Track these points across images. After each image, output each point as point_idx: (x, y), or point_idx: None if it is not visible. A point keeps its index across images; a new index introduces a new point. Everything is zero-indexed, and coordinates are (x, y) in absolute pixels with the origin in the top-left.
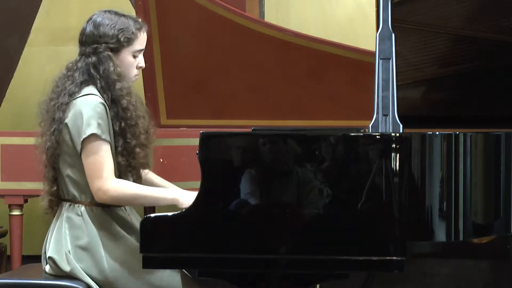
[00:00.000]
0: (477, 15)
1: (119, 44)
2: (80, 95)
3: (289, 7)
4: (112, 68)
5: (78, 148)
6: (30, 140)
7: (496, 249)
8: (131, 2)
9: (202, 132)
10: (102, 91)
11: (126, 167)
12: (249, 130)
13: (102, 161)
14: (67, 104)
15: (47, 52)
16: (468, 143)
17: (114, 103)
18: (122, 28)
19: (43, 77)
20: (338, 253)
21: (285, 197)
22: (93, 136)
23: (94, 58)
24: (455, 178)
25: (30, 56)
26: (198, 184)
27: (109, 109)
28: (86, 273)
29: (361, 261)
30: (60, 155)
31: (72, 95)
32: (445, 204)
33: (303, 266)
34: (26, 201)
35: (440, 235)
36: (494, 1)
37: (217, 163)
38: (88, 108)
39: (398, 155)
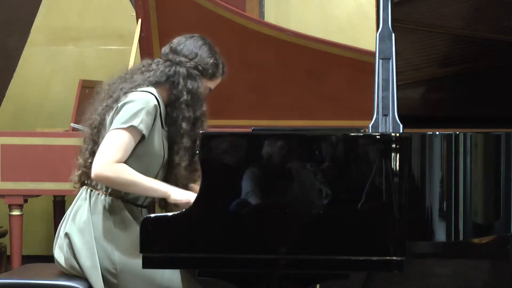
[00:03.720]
0: (477, 15)
1: (205, 72)
2: (142, 89)
3: (289, 7)
4: (201, 89)
5: (112, 128)
6: (30, 140)
7: (496, 249)
8: (131, 2)
9: (202, 132)
10: (185, 104)
11: (184, 184)
12: (249, 130)
13: (121, 147)
14: (130, 89)
15: (47, 52)
16: (468, 143)
17: (195, 121)
18: (216, 63)
19: (43, 77)
20: (338, 253)
21: (285, 197)
22: (131, 128)
23: (184, 70)
24: (455, 178)
25: (30, 56)
26: (198, 184)
27: (184, 122)
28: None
29: (361, 261)
30: (100, 133)
31: (138, 86)
32: (445, 204)
33: (303, 266)
34: (26, 201)
35: (440, 235)
36: (494, 1)
37: (217, 163)
38: (140, 102)
39: (398, 155)
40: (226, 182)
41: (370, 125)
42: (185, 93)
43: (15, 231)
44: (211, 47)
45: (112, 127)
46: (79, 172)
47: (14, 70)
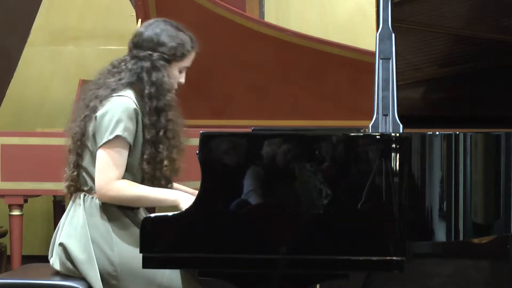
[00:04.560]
0: (477, 15)
1: (173, 57)
2: (118, 94)
3: (289, 7)
4: (166, 79)
5: (100, 142)
6: (30, 140)
7: (496, 249)
8: (131, 2)
9: (202, 132)
10: (148, 97)
11: (151, 176)
12: (249, 130)
13: (116, 163)
14: (106, 97)
15: (47, 52)
16: (468, 143)
17: (158, 112)
18: (181, 43)
19: (43, 77)
20: (338, 253)
21: (285, 197)
22: (117, 138)
23: (148, 64)
24: (455, 178)
25: (30, 56)
26: (198, 184)
27: (147, 116)
28: (97, 264)
29: (361, 261)
30: (84, 145)
31: (112, 92)
32: (445, 204)
33: (303, 266)
34: (26, 201)
35: (440, 235)
36: (494, 1)
37: (217, 163)
38: (120, 110)
39: (398, 155)
40: (226, 182)
41: (370, 125)
42: (148, 86)
43: (15, 231)
44: (170, 28)
45: (98, 144)
46: (67, 184)
47: (14, 70)
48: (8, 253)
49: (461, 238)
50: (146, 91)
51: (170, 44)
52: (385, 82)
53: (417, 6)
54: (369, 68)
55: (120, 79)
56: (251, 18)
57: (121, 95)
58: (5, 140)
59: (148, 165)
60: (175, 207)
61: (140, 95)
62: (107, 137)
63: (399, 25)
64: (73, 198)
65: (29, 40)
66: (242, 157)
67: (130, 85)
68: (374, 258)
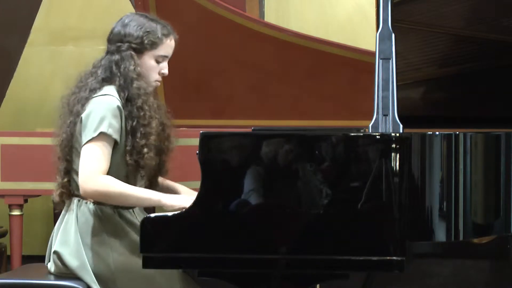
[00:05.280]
0: (477, 15)
1: (142, 45)
2: (99, 94)
3: (289, 7)
4: (132, 67)
5: (84, 140)
6: (30, 140)
7: (496, 249)
8: (131, 2)
9: (202, 132)
10: (120, 89)
11: (135, 168)
12: (249, 130)
13: (100, 157)
14: (87, 99)
15: (47, 52)
16: (468, 143)
17: (129, 101)
18: (148, 31)
19: (43, 77)
20: (338, 253)
21: (285, 197)
22: (102, 134)
23: (117, 56)
24: (455, 178)
25: (30, 56)
26: (198, 184)
27: (123, 108)
28: (92, 270)
29: (361, 261)
30: (73, 149)
31: (92, 91)
32: (445, 204)
33: (303, 266)
34: (26, 201)
35: (440, 235)
36: (494, 1)
37: (217, 163)
38: (103, 108)
39: (398, 155)
40: (226, 182)
41: (370, 125)
42: (118, 78)
43: (15, 231)
44: (139, 18)
45: (83, 141)
46: (58, 192)
47: (14, 70)
48: (8, 253)
49: (461, 238)
50: (117, 83)
51: (136, 33)
52: (385, 82)
53: (417, 6)
54: (369, 68)
55: (96, 77)
56: (251, 18)
57: (103, 94)
58: (5, 140)
59: (130, 156)
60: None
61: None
62: (91, 135)
63: (399, 25)
64: (66, 204)
65: (29, 40)
66: (242, 157)
67: (106, 80)
68: (374, 258)
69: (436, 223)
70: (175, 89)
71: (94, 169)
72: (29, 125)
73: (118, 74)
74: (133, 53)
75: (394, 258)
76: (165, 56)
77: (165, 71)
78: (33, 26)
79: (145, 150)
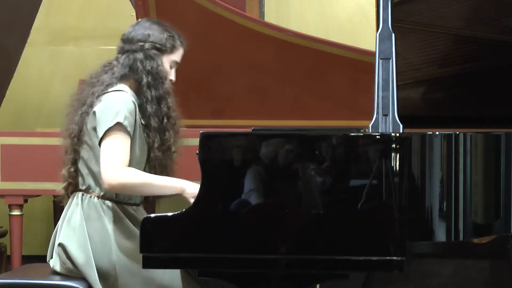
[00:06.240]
0: (477, 15)
1: (164, 47)
2: (114, 89)
3: (289, 7)
4: (161, 67)
5: (100, 134)
6: (30, 140)
7: (496, 249)
8: (131, 2)
9: (202, 132)
10: (147, 86)
11: (160, 165)
12: (249, 130)
13: (120, 149)
14: (102, 92)
15: (47, 52)
16: (468, 143)
17: (159, 100)
18: (171, 36)
19: (43, 77)
20: (338, 253)
21: (285, 197)
22: (118, 125)
23: (141, 55)
24: (455, 178)
25: (30, 56)
26: (198, 184)
27: (149, 105)
28: (95, 265)
29: (361, 261)
30: (82, 142)
31: (108, 86)
32: (445, 204)
33: (303, 266)
34: (26, 201)
35: (440, 235)
36: (494, 1)
37: (217, 163)
38: (119, 102)
39: (398, 155)
40: (225, 182)
41: (370, 125)
42: (144, 76)
43: (15, 231)
44: (160, 24)
45: (100, 134)
46: (65, 184)
47: (14, 70)
48: (8, 253)
49: (461, 238)
50: (144, 80)
51: (160, 35)
52: (385, 82)
53: (417, 6)
54: (369, 68)
55: (113, 74)
56: (251, 18)
57: (118, 90)
58: (5, 140)
59: (160, 152)
60: (174, 207)
61: (135, 89)
62: (107, 125)
63: (399, 25)
64: (70, 198)
65: (29, 40)
66: (242, 157)
67: (123, 78)
68: (374, 258)
69: (436, 223)
70: (175, 89)
71: (117, 161)
72: (29, 125)
73: (145, 72)
74: (157, 52)
75: (394, 258)
76: (177, 63)
77: (173, 78)
78: (33, 26)
79: (173, 148)
